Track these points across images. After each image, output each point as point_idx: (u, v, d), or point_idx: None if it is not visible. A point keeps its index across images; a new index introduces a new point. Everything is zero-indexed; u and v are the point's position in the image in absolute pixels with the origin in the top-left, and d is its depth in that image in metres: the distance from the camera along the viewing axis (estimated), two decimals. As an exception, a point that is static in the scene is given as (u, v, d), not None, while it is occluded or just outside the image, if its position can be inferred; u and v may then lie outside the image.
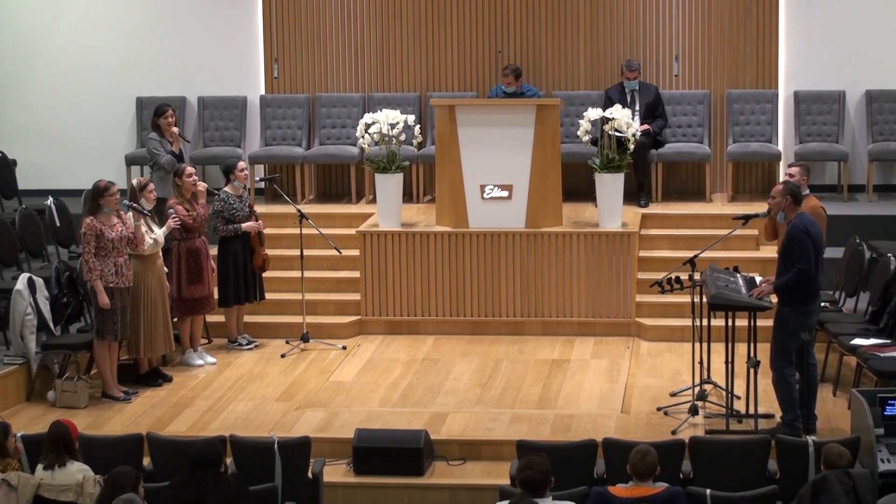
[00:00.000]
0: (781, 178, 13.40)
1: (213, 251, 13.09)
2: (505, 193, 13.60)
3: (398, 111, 13.91)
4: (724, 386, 11.10)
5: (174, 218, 12.35)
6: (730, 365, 10.89)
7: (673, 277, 11.05)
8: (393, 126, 13.74)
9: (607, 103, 14.23)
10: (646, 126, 14.73)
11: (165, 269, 12.38)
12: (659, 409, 11.22)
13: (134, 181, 12.38)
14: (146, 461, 9.72)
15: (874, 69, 15.32)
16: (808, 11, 15.35)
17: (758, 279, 11.12)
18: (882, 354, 10.95)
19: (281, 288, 13.71)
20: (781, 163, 15.15)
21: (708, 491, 8.65)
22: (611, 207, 13.59)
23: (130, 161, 15.78)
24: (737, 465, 9.29)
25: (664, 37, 15.46)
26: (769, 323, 10.72)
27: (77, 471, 8.87)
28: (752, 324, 10.71)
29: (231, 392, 12.00)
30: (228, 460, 9.50)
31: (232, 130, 15.94)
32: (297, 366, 12.72)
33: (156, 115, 13.51)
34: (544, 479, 7.92)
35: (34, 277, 12.23)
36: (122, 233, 11.70)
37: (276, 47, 15.90)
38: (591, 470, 9.37)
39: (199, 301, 12.72)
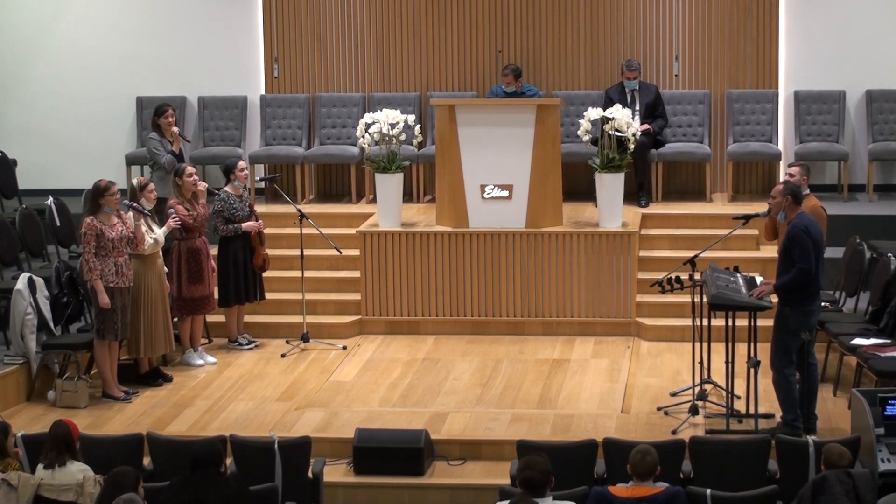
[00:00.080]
0: (782, 177, 13.39)
1: (214, 251, 13.09)
2: (505, 193, 13.60)
3: (398, 111, 13.91)
4: (724, 386, 11.10)
5: (174, 218, 12.35)
6: (730, 365, 10.90)
7: (673, 277, 11.05)
8: (393, 126, 13.74)
9: (607, 103, 14.23)
10: (646, 126, 14.73)
11: (165, 269, 12.38)
12: (659, 409, 11.22)
13: (134, 181, 12.38)
14: (146, 461, 9.72)
15: (874, 69, 15.32)
16: (809, 11, 15.35)
17: (758, 279, 11.12)
18: (882, 354, 10.95)
19: (281, 288, 13.71)
20: (782, 163, 15.15)
21: (708, 491, 8.66)
22: (611, 207, 13.59)
23: (130, 161, 15.78)
24: (737, 465, 9.29)
25: (664, 36, 15.46)
26: (769, 323, 10.72)
27: (77, 470, 8.87)
28: (752, 324, 10.71)
29: (231, 392, 12.00)
30: (228, 460, 9.50)
31: (232, 130, 15.94)
32: (298, 366, 12.72)
33: (156, 114, 13.51)
34: (544, 478, 7.92)
35: (34, 277, 12.23)
36: (123, 232, 11.70)
37: (276, 47, 15.90)
38: (591, 470, 9.37)
39: (199, 301, 12.72)
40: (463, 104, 14.01)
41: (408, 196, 14.93)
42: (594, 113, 13.54)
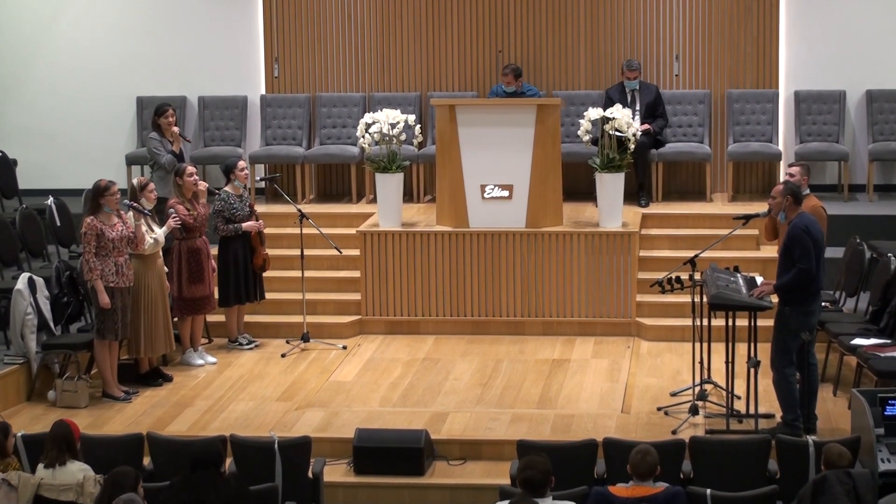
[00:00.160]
0: (782, 177, 13.39)
1: (214, 251, 13.09)
2: (505, 193, 13.60)
3: (398, 111, 13.91)
4: (724, 386, 11.10)
5: (175, 217, 12.35)
6: (730, 365, 10.90)
7: (673, 277, 11.05)
8: (393, 126, 13.74)
9: (608, 103, 14.23)
10: (646, 126, 14.73)
11: (166, 269, 12.38)
12: (659, 409, 11.22)
13: (134, 181, 12.38)
14: (146, 461, 9.72)
15: (874, 69, 15.32)
16: (809, 11, 15.35)
17: (758, 279, 11.11)
18: (882, 354, 10.95)
19: (281, 288, 13.71)
20: (782, 163, 15.15)
21: (708, 491, 8.66)
22: (611, 207, 13.59)
23: (131, 161, 15.78)
24: (737, 465, 9.28)
25: (665, 36, 15.46)
26: (769, 323, 10.72)
27: (78, 470, 8.88)
28: (752, 324, 10.71)
29: (231, 392, 12.00)
30: (228, 460, 9.50)
31: (232, 130, 15.95)
32: (298, 366, 12.72)
33: (156, 114, 13.51)
34: (545, 478, 7.92)
35: (34, 277, 12.23)
36: (123, 232, 11.70)
37: (277, 47, 15.90)
38: (591, 470, 9.37)
39: (199, 301, 12.72)
40: (463, 104, 14.01)
41: (408, 196, 14.93)
42: (594, 113, 13.54)
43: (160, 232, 12.18)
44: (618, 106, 13.67)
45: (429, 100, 15.35)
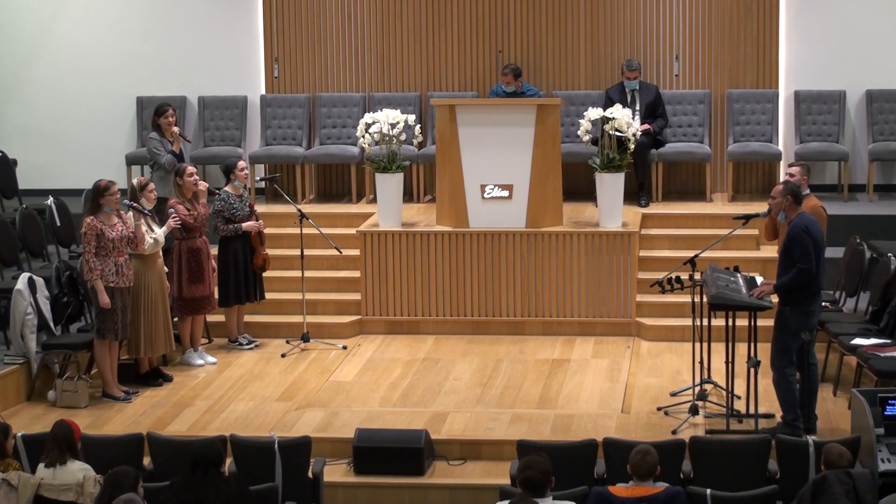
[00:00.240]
0: (782, 177, 13.39)
1: (214, 251, 13.09)
2: (505, 193, 13.60)
3: (398, 111, 13.91)
4: (724, 386, 11.10)
5: (175, 217, 12.35)
6: (730, 365, 10.90)
7: (673, 277, 11.05)
8: (393, 126, 13.74)
9: (608, 103, 14.23)
10: (646, 126, 14.73)
11: (166, 269, 12.38)
12: (659, 409, 11.22)
13: (134, 181, 12.38)
14: (146, 461, 9.72)
15: (874, 69, 15.32)
16: (809, 11, 15.34)
17: (758, 279, 11.11)
18: (882, 354, 10.95)
19: (281, 288, 13.71)
20: (782, 163, 15.15)
21: (708, 491, 8.66)
22: (611, 207, 13.59)
23: (131, 161, 15.78)
24: (737, 465, 9.28)
25: (664, 36, 15.46)
26: (769, 323, 10.72)
27: (78, 470, 8.88)
28: (752, 324, 10.71)
29: (231, 392, 12.00)
30: (228, 460, 9.50)
31: (232, 130, 15.95)
32: (298, 366, 12.72)
33: (156, 114, 13.51)
34: (545, 478, 7.92)
35: (34, 277, 12.23)
36: (123, 232, 11.70)
37: (277, 47, 15.90)
38: (591, 470, 9.37)
39: (199, 301, 12.72)
40: (463, 104, 14.01)
41: (408, 196, 14.93)
42: (594, 113, 13.54)
43: (160, 232, 12.18)
44: (618, 106, 13.67)
45: (429, 100, 15.35)
